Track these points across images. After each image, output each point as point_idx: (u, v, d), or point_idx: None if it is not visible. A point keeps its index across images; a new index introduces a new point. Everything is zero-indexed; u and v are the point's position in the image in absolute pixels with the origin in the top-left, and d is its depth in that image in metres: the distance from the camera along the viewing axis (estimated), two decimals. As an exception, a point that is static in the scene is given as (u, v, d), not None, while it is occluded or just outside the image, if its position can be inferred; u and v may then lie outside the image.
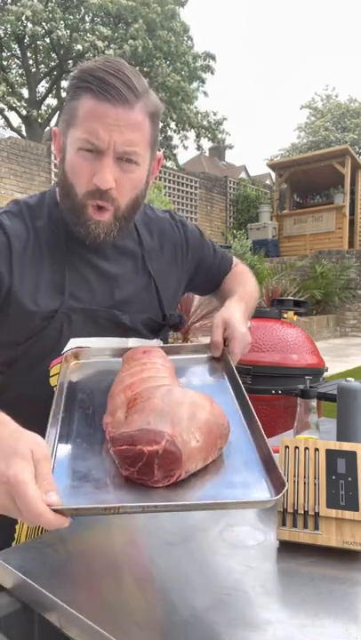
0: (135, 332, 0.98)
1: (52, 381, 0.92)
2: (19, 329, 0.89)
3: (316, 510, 0.79)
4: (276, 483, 0.63)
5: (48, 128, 14.62)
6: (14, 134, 14.47)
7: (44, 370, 0.92)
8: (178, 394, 0.71)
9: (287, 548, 0.79)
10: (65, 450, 0.71)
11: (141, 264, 1.01)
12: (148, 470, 0.63)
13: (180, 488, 0.64)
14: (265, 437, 0.71)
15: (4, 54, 13.90)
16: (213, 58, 14.41)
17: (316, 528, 0.78)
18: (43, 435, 0.62)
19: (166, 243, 1.08)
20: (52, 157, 9.28)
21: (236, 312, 0.98)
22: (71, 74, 0.86)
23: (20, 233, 0.89)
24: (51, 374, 0.92)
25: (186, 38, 13.99)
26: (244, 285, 1.15)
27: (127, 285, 0.98)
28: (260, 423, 0.74)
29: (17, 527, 0.98)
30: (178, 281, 1.11)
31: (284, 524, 0.80)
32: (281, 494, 0.60)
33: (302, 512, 0.80)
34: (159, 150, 0.95)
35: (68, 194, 0.87)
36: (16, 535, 0.98)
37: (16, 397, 0.90)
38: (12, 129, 15.02)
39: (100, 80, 0.79)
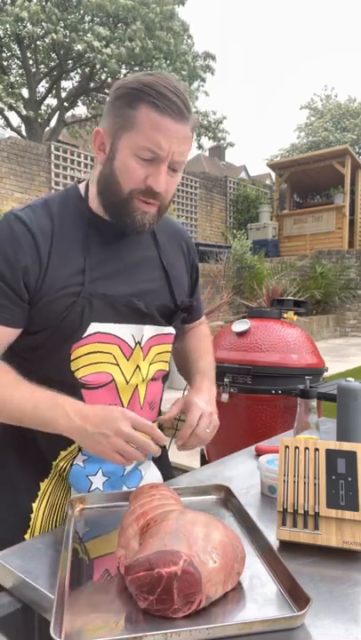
0: (151, 318, 1.02)
1: (73, 366, 0.97)
2: (47, 316, 0.95)
3: (316, 510, 0.79)
4: (300, 600, 0.63)
5: (48, 128, 14.61)
6: (14, 134, 14.45)
7: (66, 354, 0.96)
8: (190, 515, 0.71)
9: (287, 548, 0.79)
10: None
11: (156, 257, 1.08)
12: (168, 597, 0.61)
13: (201, 618, 0.62)
14: (279, 557, 0.72)
15: (3, 54, 13.88)
16: (213, 58, 14.36)
17: (316, 528, 0.78)
18: None
19: (176, 243, 1.17)
20: (52, 157, 9.28)
21: (204, 396, 1.05)
22: (124, 83, 0.92)
23: (44, 226, 0.96)
24: (72, 358, 0.96)
25: (186, 37, 13.95)
26: (207, 355, 1.23)
27: (144, 274, 1.04)
28: (272, 544, 0.75)
29: (32, 516, 1.00)
30: (186, 276, 1.17)
31: (284, 523, 0.80)
32: (307, 608, 0.61)
33: (302, 512, 0.80)
34: None
35: (113, 191, 0.95)
36: (31, 523, 1.00)
37: (40, 381, 0.94)
38: (12, 129, 14.98)
39: (162, 95, 0.87)
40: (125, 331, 0.99)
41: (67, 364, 0.96)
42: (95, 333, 0.96)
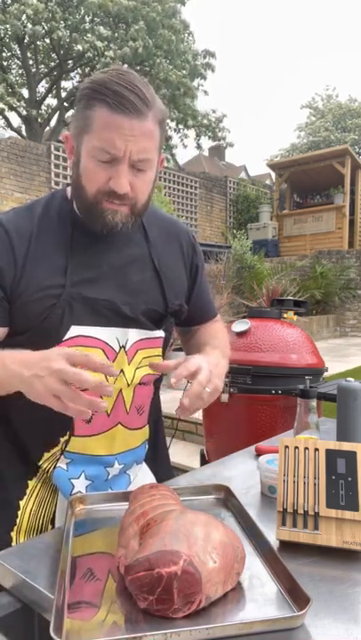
0: (136, 322, 1.00)
1: None
2: (26, 317, 0.93)
3: (316, 510, 0.79)
4: (300, 600, 0.63)
5: (48, 128, 14.61)
6: (14, 134, 14.46)
7: None
8: (190, 515, 0.70)
9: (287, 548, 0.79)
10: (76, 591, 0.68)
11: (147, 256, 1.05)
12: (168, 597, 0.61)
13: (201, 618, 0.62)
14: (279, 557, 0.72)
15: (4, 54, 13.89)
16: (213, 55, 14.34)
17: (316, 528, 0.78)
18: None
19: (173, 239, 1.12)
20: (52, 157, 9.28)
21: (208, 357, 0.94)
22: (83, 83, 0.90)
23: (23, 228, 0.95)
24: None
25: (187, 34, 13.93)
26: (221, 339, 1.15)
27: (132, 275, 1.01)
28: (272, 544, 0.75)
29: (19, 513, 1.00)
30: (183, 276, 1.13)
31: (284, 523, 0.80)
32: (307, 608, 0.60)
33: (302, 512, 0.80)
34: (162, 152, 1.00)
35: (80, 195, 0.93)
36: (18, 521, 1.00)
37: None
38: (12, 129, 14.99)
39: (114, 93, 0.84)
40: (109, 334, 0.97)
41: None
42: (77, 336, 0.95)
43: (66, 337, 0.94)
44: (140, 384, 1.04)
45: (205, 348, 1.04)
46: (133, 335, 1.00)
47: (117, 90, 0.84)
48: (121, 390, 1.00)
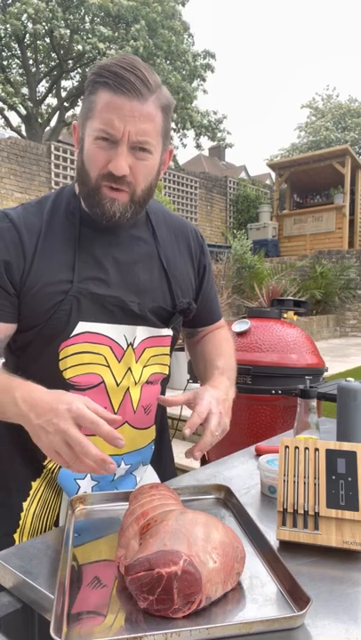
0: (143, 319, 0.99)
1: (62, 365, 0.95)
2: (34, 312, 0.93)
3: (316, 510, 0.79)
4: (300, 600, 0.63)
5: (48, 128, 14.61)
6: (14, 134, 14.46)
7: (54, 352, 0.95)
8: (190, 515, 0.70)
9: (287, 548, 0.79)
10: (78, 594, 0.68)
11: (155, 254, 1.04)
12: (168, 597, 0.61)
13: (201, 618, 0.62)
14: (279, 557, 0.72)
15: (4, 54, 13.89)
16: (213, 56, 14.37)
17: (316, 528, 0.78)
18: None
19: (182, 239, 1.12)
20: (52, 157, 9.28)
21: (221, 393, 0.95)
22: (90, 71, 0.90)
23: (32, 223, 0.95)
24: (60, 357, 0.95)
25: (187, 36, 13.95)
26: (227, 356, 1.12)
27: (139, 273, 1.01)
28: (272, 544, 0.75)
29: (22, 515, 0.99)
30: (191, 276, 1.12)
31: (284, 523, 0.80)
32: (307, 608, 0.60)
33: (302, 512, 0.80)
34: (171, 144, 1.00)
35: (84, 181, 0.93)
36: (21, 522, 0.99)
37: (31, 381, 0.92)
38: (12, 129, 14.99)
39: (115, 75, 0.85)
40: (117, 331, 0.97)
41: (55, 364, 0.95)
42: (84, 333, 0.94)
43: (73, 333, 0.94)
44: (147, 383, 1.03)
45: (213, 374, 1.03)
46: (141, 333, 0.99)
47: (118, 71, 0.85)
48: (128, 389, 1.00)
